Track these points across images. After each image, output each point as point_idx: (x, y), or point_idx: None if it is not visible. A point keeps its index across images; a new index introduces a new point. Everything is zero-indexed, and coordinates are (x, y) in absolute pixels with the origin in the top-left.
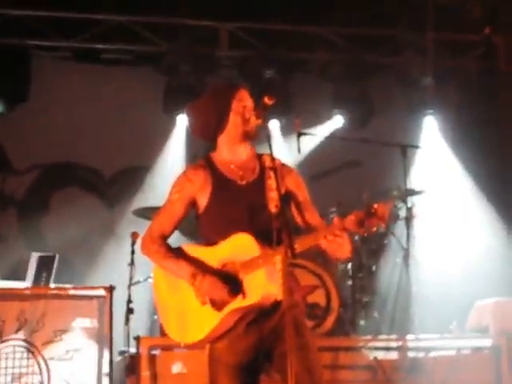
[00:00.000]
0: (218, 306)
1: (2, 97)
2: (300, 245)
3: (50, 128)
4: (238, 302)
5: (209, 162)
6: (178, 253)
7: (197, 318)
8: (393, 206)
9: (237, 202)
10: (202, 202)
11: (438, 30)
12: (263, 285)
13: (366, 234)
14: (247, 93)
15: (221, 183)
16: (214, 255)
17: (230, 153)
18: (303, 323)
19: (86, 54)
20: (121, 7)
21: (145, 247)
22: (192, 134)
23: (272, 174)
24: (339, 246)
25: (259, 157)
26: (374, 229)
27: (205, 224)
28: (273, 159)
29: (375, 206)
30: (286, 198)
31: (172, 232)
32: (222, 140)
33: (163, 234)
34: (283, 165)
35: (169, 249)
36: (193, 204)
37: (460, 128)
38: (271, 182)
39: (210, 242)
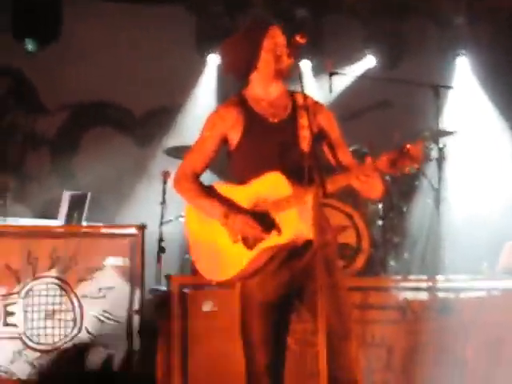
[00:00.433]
0: (249, 244)
1: (34, 36)
2: (332, 184)
3: (80, 68)
4: (271, 241)
5: (241, 99)
6: (210, 191)
7: (228, 256)
8: (424, 146)
9: (268, 140)
10: (234, 139)
11: None
12: (295, 223)
13: (398, 175)
14: (279, 30)
15: (253, 120)
16: (246, 194)
17: (263, 90)
18: (334, 262)
19: None
20: None
21: (177, 184)
22: (224, 72)
23: (304, 111)
24: (371, 187)
25: (292, 94)
26: (407, 169)
27: (236, 161)
28: (305, 97)
29: (408, 146)
30: (319, 136)
31: (204, 169)
32: (255, 77)
33: (195, 171)
34: (316, 102)
35: (201, 187)
36: (224, 141)
37: (492, 69)
38: (303, 120)
39: (242, 180)
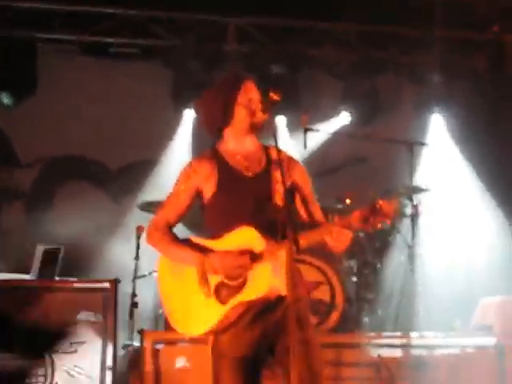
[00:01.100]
0: (222, 298)
1: (10, 90)
2: (305, 239)
3: (56, 121)
4: (244, 295)
5: (215, 153)
6: (184, 242)
7: (201, 311)
8: (398, 203)
9: (242, 193)
10: (208, 192)
11: (446, 27)
12: (268, 278)
13: (371, 231)
14: (253, 85)
15: (227, 174)
16: (220, 248)
17: (237, 144)
18: (306, 318)
19: (94, 48)
20: (130, 1)
21: (150, 236)
22: (199, 126)
23: (278, 166)
24: (342, 242)
25: (266, 149)
26: (379, 225)
27: (209, 214)
28: (279, 151)
29: (380, 202)
30: (292, 190)
31: (177, 222)
32: (228, 132)
33: (168, 222)
34: (290, 158)
35: (174, 237)
36: (198, 195)
37: (467, 126)
38: (277, 174)
39: (215, 234)
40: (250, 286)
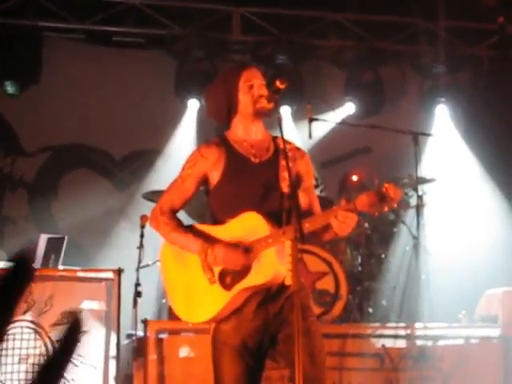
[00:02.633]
0: (227, 284)
1: (14, 78)
2: (311, 223)
3: (60, 110)
4: (248, 281)
5: (223, 140)
6: (188, 228)
7: (205, 298)
8: (403, 193)
9: (249, 179)
10: (215, 178)
11: (451, 18)
12: (273, 264)
13: (377, 215)
14: (256, 71)
15: (234, 160)
16: (224, 234)
17: (244, 131)
18: (308, 307)
19: (98, 37)
20: None
21: (154, 220)
22: (209, 117)
23: (285, 155)
24: (348, 226)
25: (273, 139)
26: (386, 209)
27: (215, 200)
28: (287, 142)
29: (386, 185)
30: (296, 180)
31: (181, 207)
32: (236, 120)
33: (173, 208)
34: (297, 148)
35: (179, 223)
36: (204, 180)
37: (472, 116)
38: (284, 163)
39: (220, 220)
40: (256, 271)
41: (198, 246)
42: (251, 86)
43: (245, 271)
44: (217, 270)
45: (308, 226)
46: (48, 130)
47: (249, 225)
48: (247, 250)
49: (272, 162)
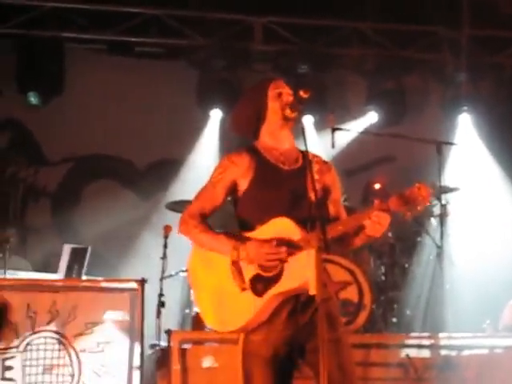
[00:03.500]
0: (258, 291)
1: (38, 89)
2: (343, 225)
3: (83, 120)
4: (280, 287)
5: (252, 148)
6: (218, 232)
7: (235, 306)
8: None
9: (279, 186)
10: (244, 185)
11: (473, 26)
12: (304, 269)
13: (409, 216)
14: (283, 82)
15: (264, 167)
16: (255, 237)
17: (273, 139)
18: (337, 318)
19: (120, 47)
20: (155, 0)
21: (183, 223)
22: (235, 132)
23: (313, 167)
24: (382, 226)
25: (301, 152)
26: (419, 208)
27: (244, 207)
28: (314, 155)
29: (418, 185)
30: (324, 193)
31: (211, 213)
32: (264, 128)
33: (202, 213)
34: (324, 161)
35: (208, 226)
36: (234, 187)
37: (495, 125)
38: (312, 174)
39: (249, 227)
40: (287, 276)
41: (229, 245)
42: (280, 94)
43: (276, 277)
44: (248, 276)
45: (341, 227)
46: (71, 141)
47: (280, 229)
48: (280, 245)
49: (301, 172)
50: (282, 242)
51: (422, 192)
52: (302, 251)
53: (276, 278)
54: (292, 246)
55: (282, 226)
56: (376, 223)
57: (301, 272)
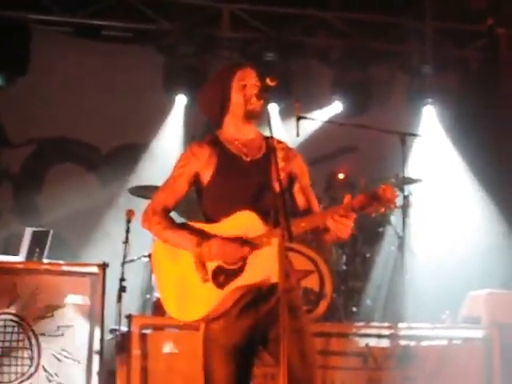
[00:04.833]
0: (220, 283)
1: (2, 71)
2: (307, 222)
3: (47, 103)
4: (242, 280)
5: (214, 139)
6: (181, 226)
7: (197, 296)
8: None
9: (241, 178)
10: (206, 176)
11: (440, 19)
12: (267, 264)
13: (373, 215)
14: (250, 71)
15: (226, 158)
16: (219, 232)
17: (236, 131)
18: (299, 307)
19: (86, 30)
20: None
21: (146, 220)
22: (202, 114)
23: (277, 155)
24: (345, 226)
25: (265, 138)
26: (383, 210)
27: (207, 199)
28: (279, 142)
29: (383, 187)
30: (290, 181)
31: (174, 207)
32: (228, 119)
33: (166, 207)
34: (289, 148)
35: (171, 221)
36: (196, 180)
37: (459, 118)
38: (277, 163)
39: (213, 218)
40: (249, 270)
41: (192, 241)
42: (244, 86)
43: (238, 270)
44: (210, 268)
45: (304, 225)
46: (35, 123)
47: (244, 223)
48: (244, 244)
49: (264, 161)
50: (245, 241)
51: (386, 193)
52: (266, 246)
53: (238, 272)
54: (255, 246)
55: (246, 220)
56: (339, 223)
57: (263, 267)
